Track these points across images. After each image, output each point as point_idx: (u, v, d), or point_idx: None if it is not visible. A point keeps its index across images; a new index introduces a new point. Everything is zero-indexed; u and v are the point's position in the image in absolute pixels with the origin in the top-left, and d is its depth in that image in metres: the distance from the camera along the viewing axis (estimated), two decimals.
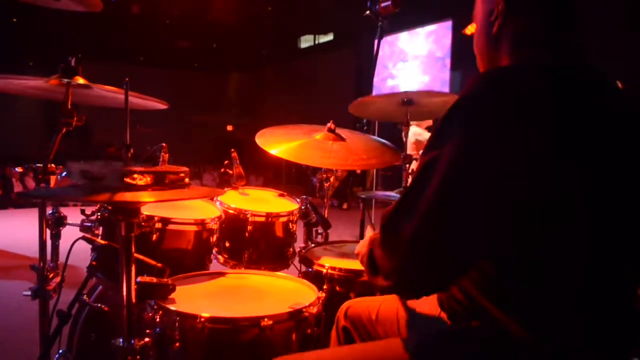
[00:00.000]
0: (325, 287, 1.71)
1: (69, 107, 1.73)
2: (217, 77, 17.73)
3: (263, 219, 2.11)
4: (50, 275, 1.77)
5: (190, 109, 15.41)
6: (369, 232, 1.33)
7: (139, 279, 1.28)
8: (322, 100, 12.52)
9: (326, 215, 2.22)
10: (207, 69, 17.30)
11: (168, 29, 14.16)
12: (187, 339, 1.34)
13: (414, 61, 8.57)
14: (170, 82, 14.43)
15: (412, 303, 1.37)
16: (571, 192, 0.92)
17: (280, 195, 2.43)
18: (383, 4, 2.52)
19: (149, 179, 1.08)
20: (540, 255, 0.94)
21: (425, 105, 2.25)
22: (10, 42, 12.42)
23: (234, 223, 2.09)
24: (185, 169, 1.18)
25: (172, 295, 1.43)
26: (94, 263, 1.58)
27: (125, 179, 1.06)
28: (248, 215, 2.07)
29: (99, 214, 1.83)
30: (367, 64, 9.08)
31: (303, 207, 2.19)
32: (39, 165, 1.73)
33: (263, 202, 2.31)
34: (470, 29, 1.24)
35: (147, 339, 1.22)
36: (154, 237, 1.76)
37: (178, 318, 1.35)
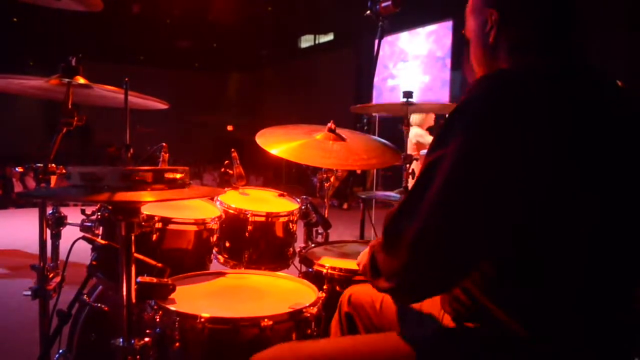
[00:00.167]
0: (325, 287, 1.71)
1: (70, 107, 1.73)
2: (217, 77, 17.74)
3: (263, 219, 2.11)
4: (51, 275, 1.77)
5: (190, 109, 15.41)
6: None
7: (139, 279, 1.28)
8: (322, 100, 12.52)
9: (326, 215, 2.22)
10: (207, 69, 17.30)
11: (168, 29, 14.16)
12: (187, 339, 1.34)
13: (414, 61, 8.56)
14: (170, 82, 14.44)
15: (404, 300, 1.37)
16: (571, 193, 0.93)
17: (281, 195, 2.43)
18: (383, 4, 2.52)
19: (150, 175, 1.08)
20: (541, 256, 0.94)
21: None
22: (10, 42, 12.42)
23: (234, 223, 2.09)
24: (185, 168, 1.18)
25: (172, 295, 1.42)
26: (94, 263, 1.58)
27: (131, 177, 1.06)
28: (248, 215, 2.07)
29: (99, 213, 1.83)
30: (367, 64, 9.08)
31: (303, 207, 2.19)
32: (39, 165, 1.73)
33: (263, 202, 2.31)
34: None
35: (147, 339, 1.22)
36: (154, 237, 1.76)
37: (178, 318, 1.35)
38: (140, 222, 1.16)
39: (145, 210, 1.74)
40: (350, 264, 1.78)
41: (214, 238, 1.98)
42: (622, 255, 0.98)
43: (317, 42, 15.87)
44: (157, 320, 1.38)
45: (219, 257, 2.12)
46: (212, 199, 2.14)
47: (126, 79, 1.30)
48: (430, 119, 5.18)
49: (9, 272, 4.72)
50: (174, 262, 1.60)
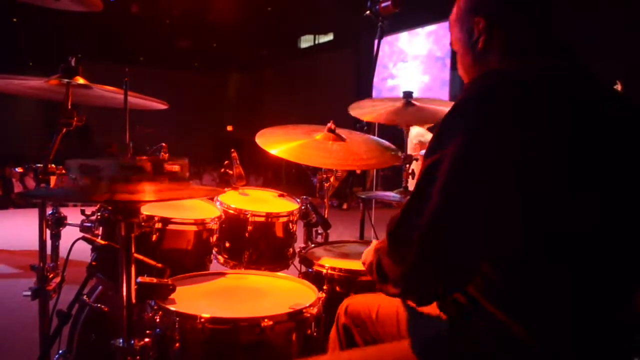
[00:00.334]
0: (325, 287, 1.71)
1: (69, 107, 1.73)
2: (217, 77, 17.72)
3: (263, 219, 2.11)
4: (50, 276, 1.77)
5: (190, 109, 15.38)
6: (374, 242, 1.34)
7: (139, 279, 1.28)
8: (322, 100, 12.51)
9: (326, 216, 2.22)
10: (207, 69, 17.28)
11: (168, 29, 14.14)
12: (187, 340, 1.34)
13: (414, 61, 8.57)
14: (170, 82, 14.42)
15: (411, 304, 1.37)
16: (571, 193, 0.93)
17: (280, 195, 2.43)
18: (383, 4, 2.52)
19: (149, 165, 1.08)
20: (540, 256, 0.94)
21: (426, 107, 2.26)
22: (10, 42, 12.41)
23: (234, 223, 2.09)
24: (184, 161, 1.17)
25: (172, 296, 1.42)
26: (94, 263, 1.58)
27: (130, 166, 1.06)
28: (248, 216, 2.07)
29: (98, 214, 1.83)
30: (366, 64, 9.07)
31: (303, 208, 2.19)
32: (39, 165, 1.73)
33: (263, 202, 2.31)
34: None
35: (147, 340, 1.22)
36: (154, 237, 1.76)
37: (178, 318, 1.35)
38: (140, 223, 1.16)
39: (145, 211, 1.74)
40: (350, 264, 1.78)
41: (214, 238, 1.98)
42: (622, 255, 0.98)
43: (317, 42, 15.86)
44: (157, 320, 1.38)
45: (219, 257, 2.12)
46: (211, 199, 2.14)
47: (126, 79, 1.30)
48: None
49: (9, 272, 4.72)
50: (173, 262, 1.61)
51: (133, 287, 1.17)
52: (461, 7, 1.15)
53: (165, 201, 1.79)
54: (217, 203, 2.12)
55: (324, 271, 1.74)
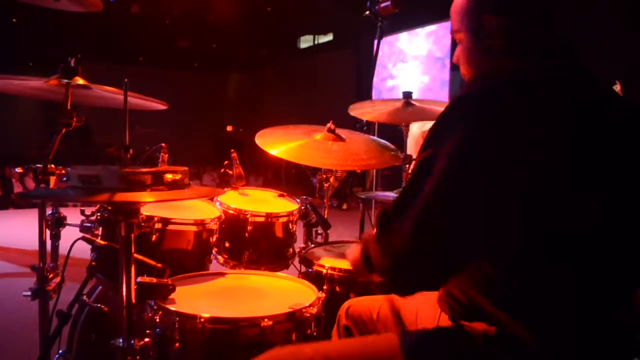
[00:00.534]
0: (325, 287, 1.71)
1: (69, 107, 1.73)
2: (216, 77, 17.71)
3: (263, 219, 2.11)
4: (50, 276, 1.77)
5: (190, 109, 15.38)
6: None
7: (139, 279, 1.28)
8: (322, 101, 12.51)
9: (326, 216, 2.22)
10: (207, 69, 17.28)
11: (168, 29, 14.13)
12: (187, 339, 1.34)
13: (413, 61, 8.57)
14: (170, 82, 14.42)
15: (412, 303, 1.37)
16: (571, 193, 0.93)
17: (280, 195, 2.43)
18: (383, 4, 2.52)
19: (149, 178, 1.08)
20: (540, 256, 0.94)
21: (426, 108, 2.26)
22: (10, 42, 12.41)
23: (233, 223, 2.09)
24: (185, 168, 1.18)
25: (172, 296, 1.43)
26: (93, 263, 1.58)
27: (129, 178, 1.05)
28: (248, 216, 2.07)
29: (98, 214, 1.83)
30: (366, 64, 9.08)
31: (303, 208, 2.19)
32: (38, 165, 1.73)
33: (263, 202, 2.31)
34: None
35: (147, 340, 1.22)
36: (154, 237, 1.76)
37: (178, 318, 1.35)
38: (140, 223, 1.16)
39: (145, 211, 1.74)
40: None
41: (214, 238, 1.98)
42: (622, 255, 0.98)
43: (316, 42, 15.86)
44: (157, 320, 1.38)
45: (219, 257, 2.12)
46: (211, 199, 2.14)
47: (125, 80, 1.30)
48: None
49: (8, 272, 4.72)
50: (173, 262, 1.61)
51: (133, 287, 1.17)
52: (465, 4, 1.15)
53: (165, 202, 1.79)
54: (217, 203, 2.12)
55: (324, 271, 1.74)
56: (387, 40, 8.48)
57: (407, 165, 2.24)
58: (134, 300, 1.17)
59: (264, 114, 15.95)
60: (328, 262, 1.78)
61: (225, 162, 2.32)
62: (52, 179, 1.74)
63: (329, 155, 2.01)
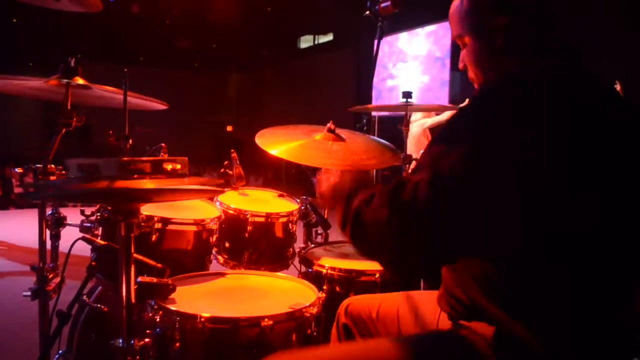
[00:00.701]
0: (325, 287, 1.72)
1: (69, 107, 1.73)
2: (216, 77, 17.71)
3: (263, 219, 2.11)
4: (50, 276, 1.77)
5: (190, 109, 15.39)
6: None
7: (139, 279, 1.28)
8: (322, 100, 12.52)
9: (326, 216, 2.22)
10: (207, 69, 17.28)
11: (168, 29, 14.14)
12: (188, 339, 1.34)
13: (413, 61, 8.57)
14: (170, 82, 14.42)
15: (412, 303, 1.37)
16: (571, 193, 0.92)
17: (280, 195, 2.43)
18: (383, 4, 2.52)
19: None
20: (540, 256, 0.94)
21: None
22: (10, 42, 12.41)
23: (233, 223, 2.09)
24: (184, 158, 1.16)
25: (172, 296, 1.43)
26: (93, 264, 1.58)
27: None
28: (248, 216, 2.07)
29: (98, 214, 1.83)
30: (366, 64, 9.07)
31: (303, 208, 2.19)
32: (38, 165, 1.73)
33: (263, 202, 2.31)
34: None
35: (147, 340, 1.22)
36: (154, 237, 1.76)
37: (178, 318, 1.35)
38: (140, 223, 1.16)
39: (145, 211, 1.75)
40: (350, 264, 1.78)
41: (214, 238, 1.98)
42: (622, 255, 0.98)
43: (316, 42, 15.87)
44: (157, 320, 1.38)
45: (219, 257, 2.12)
46: (211, 199, 2.14)
47: (125, 79, 1.30)
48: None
49: (8, 272, 4.72)
50: (173, 262, 1.61)
51: (133, 287, 1.17)
52: (465, 6, 1.14)
53: (165, 197, 1.78)
54: (217, 203, 2.12)
55: (324, 271, 1.74)
56: (387, 40, 8.49)
57: (407, 165, 2.24)
58: (133, 300, 1.17)
59: (264, 114, 15.95)
60: (328, 262, 1.78)
61: (225, 162, 2.32)
62: (52, 179, 1.74)
63: (329, 155, 2.00)
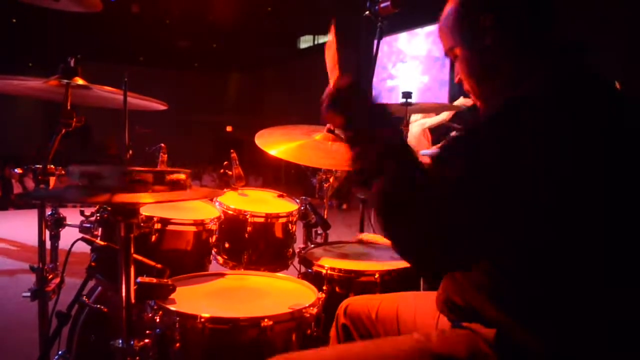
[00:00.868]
0: (324, 287, 1.71)
1: (68, 107, 1.73)
2: (216, 77, 17.73)
3: (262, 219, 2.11)
4: (50, 277, 1.77)
5: (190, 109, 15.40)
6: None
7: (139, 279, 1.28)
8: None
9: (325, 216, 2.22)
10: (207, 69, 17.30)
11: (168, 29, 14.14)
12: (188, 339, 1.34)
13: (413, 62, 8.57)
14: (170, 82, 14.44)
15: (411, 304, 1.37)
16: (574, 197, 0.92)
17: (280, 196, 2.43)
18: (382, 5, 2.51)
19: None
20: (543, 259, 0.94)
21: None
22: (10, 42, 12.42)
23: (233, 224, 2.09)
24: (187, 170, 1.17)
25: (172, 296, 1.43)
26: (93, 264, 1.58)
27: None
28: (247, 216, 2.07)
29: (98, 215, 1.83)
30: (366, 64, 9.08)
31: (302, 208, 2.19)
32: (38, 166, 1.73)
33: (262, 202, 2.31)
34: None
35: (147, 340, 1.22)
36: (153, 237, 1.76)
37: (178, 318, 1.35)
38: (139, 223, 1.16)
39: (144, 211, 1.74)
40: (350, 265, 1.78)
41: (213, 239, 1.98)
42: (623, 255, 0.97)
43: (316, 42, 15.87)
44: (157, 320, 1.38)
45: (218, 258, 2.12)
46: (211, 199, 2.14)
47: (125, 79, 1.30)
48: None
49: (8, 273, 4.72)
50: (173, 263, 1.60)
51: (132, 287, 1.17)
52: (453, 16, 1.14)
53: (165, 202, 1.79)
54: (217, 204, 2.12)
55: (324, 271, 1.74)
56: (386, 41, 8.49)
57: None
58: (133, 301, 1.17)
59: (264, 114, 15.96)
60: (328, 263, 1.78)
61: (225, 162, 2.32)
62: (52, 180, 1.74)
63: (329, 156, 2.00)
